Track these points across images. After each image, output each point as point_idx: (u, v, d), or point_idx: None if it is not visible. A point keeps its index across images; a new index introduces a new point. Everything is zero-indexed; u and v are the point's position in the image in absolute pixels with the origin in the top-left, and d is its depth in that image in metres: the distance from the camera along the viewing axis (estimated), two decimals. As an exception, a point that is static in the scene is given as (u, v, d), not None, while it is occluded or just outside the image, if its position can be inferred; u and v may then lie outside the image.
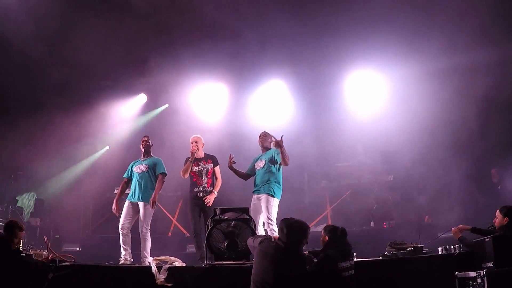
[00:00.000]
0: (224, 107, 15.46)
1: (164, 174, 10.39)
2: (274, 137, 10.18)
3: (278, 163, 10.20)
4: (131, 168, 10.53)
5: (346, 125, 14.45)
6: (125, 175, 10.60)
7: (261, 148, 10.61)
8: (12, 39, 12.52)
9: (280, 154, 10.04)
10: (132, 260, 9.88)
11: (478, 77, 12.86)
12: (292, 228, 6.64)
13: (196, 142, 10.53)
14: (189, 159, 10.41)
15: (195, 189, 10.41)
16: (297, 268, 6.50)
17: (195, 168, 10.49)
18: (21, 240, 7.87)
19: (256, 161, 10.50)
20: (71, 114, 14.25)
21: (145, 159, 10.50)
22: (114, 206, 10.31)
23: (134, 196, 10.20)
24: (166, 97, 15.12)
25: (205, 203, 10.20)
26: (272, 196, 9.98)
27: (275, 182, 10.13)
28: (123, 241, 9.97)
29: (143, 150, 10.56)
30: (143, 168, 10.36)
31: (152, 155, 10.61)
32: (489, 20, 12.02)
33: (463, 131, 12.70)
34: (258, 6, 13.01)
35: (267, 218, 9.80)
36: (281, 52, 13.96)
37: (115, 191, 13.87)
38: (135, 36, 13.66)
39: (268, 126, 14.55)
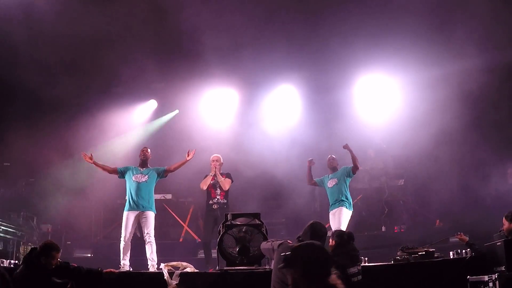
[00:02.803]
0: (234, 113, 15.47)
1: None
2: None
3: (347, 180, 11.15)
4: (128, 173, 10.58)
5: (357, 129, 14.44)
6: (119, 168, 10.71)
7: (329, 169, 11.45)
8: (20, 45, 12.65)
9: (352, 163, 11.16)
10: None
11: (490, 81, 12.87)
12: (315, 230, 6.64)
13: (216, 161, 11.39)
14: (209, 174, 11.30)
15: (210, 201, 11.22)
16: None
17: (211, 182, 11.28)
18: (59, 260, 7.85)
19: (327, 180, 11.31)
20: (82, 122, 14.29)
21: (144, 170, 10.61)
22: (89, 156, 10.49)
23: (138, 207, 10.26)
24: (176, 103, 15.14)
25: (221, 212, 10.69)
26: (346, 208, 10.83)
27: (345, 197, 10.95)
28: (125, 250, 10.07)
29: (141, 160, 10.73)
30: (145, 179, 10.48)
31: (149, 166, 10.74)
32: (498, 24, 12.05)
33: (476, 135, 12.68)
34: (268, 11, 13.05)
35: (339, 226, 10.42)
36: (291, 57, 13.97)
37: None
38: (146, 42, 13.71)
39: (279, 131, 14.73)
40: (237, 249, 8.17)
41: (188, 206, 14.52)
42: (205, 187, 11.26)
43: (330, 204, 11.05)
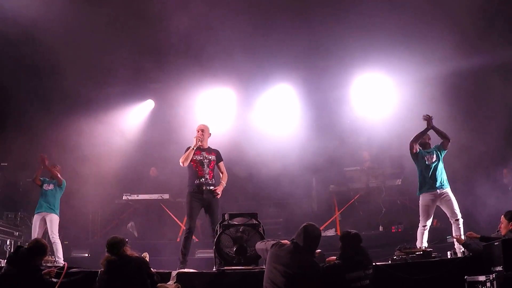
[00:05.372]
0: (232, 112, 15.48)
1: None
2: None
3: (443, 155, 10.08)
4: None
5: (354, 129, 14.46)
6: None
7: (421, 145, 10.21)
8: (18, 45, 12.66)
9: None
10: None
11: (484, 79, 12.91)
12: (308, 232, 6.63)
13: (202, 131, 9.76)
14: (192, 147, 9.54)
15: (196, 181, 9.44)
16: (307, 271, 6.48)
17: (197, 157, 9.53)
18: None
19: (425, 155, 10.09)
20: (79, 121, 14.27)
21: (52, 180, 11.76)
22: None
23: (42, 209, 11.47)
24: (173, 102, 15.13)
25: (213, 195, 9.43)
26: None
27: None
28: None
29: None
30: (51, 187, 11.69)
31: None
32: (494, 22, 12.15)
33: (472, 133, 12.69)
34: (265, 11, 13.05)
35: (458, 211, 9.71)
36: (289, 56, 13.98)
37: (124, 197, 14.00)
38: (143, 41, 13.71)
39: (276, 130, 14.74)
40: (234, 249, 8.17)
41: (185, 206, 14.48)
42: (186, 163, 9.49)
43: (432, 182, 9.86)
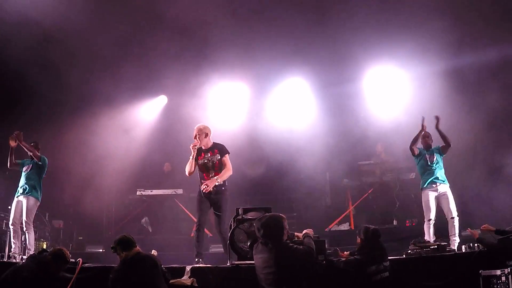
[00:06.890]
0: (245, 106, 15.47)
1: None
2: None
3: (442, 157, 10.76)
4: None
5: (368, 122, 14.41)
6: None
7: (424, 145, 10.95)
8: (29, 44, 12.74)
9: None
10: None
11: (502, 73, 12.83)
12: (267, 224, 6.73)
13: (199, 135, 9.36)
14: (190, 157, 9.33)
15: None
16: (281, 260, 6.67)
17: (200, 161, 9.37)
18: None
19: (427, 154, 10.79)
20: (93, 115, 14.33)
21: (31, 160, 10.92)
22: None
23: (19, 192, 10.69)
24: (186, 98, 15.14)
25: (221, 196, 9.28)
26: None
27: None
28: (14, 236, 10.45)
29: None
30: (30, 167, 10.90)
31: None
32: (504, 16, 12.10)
33: (487, 127, 12.61)
34: (278, 5, 13.04)
35: (454, 210, 10.31)
36: (301, 50, 13.97)
37: (138, 193, 14.02)
38: (154, 37, 13.74)
39: (289, 124, 14.71)
40: (248, 244, 8.18)
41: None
42: (191, 173, 9.38)
43: (432, 178, 10.53)
